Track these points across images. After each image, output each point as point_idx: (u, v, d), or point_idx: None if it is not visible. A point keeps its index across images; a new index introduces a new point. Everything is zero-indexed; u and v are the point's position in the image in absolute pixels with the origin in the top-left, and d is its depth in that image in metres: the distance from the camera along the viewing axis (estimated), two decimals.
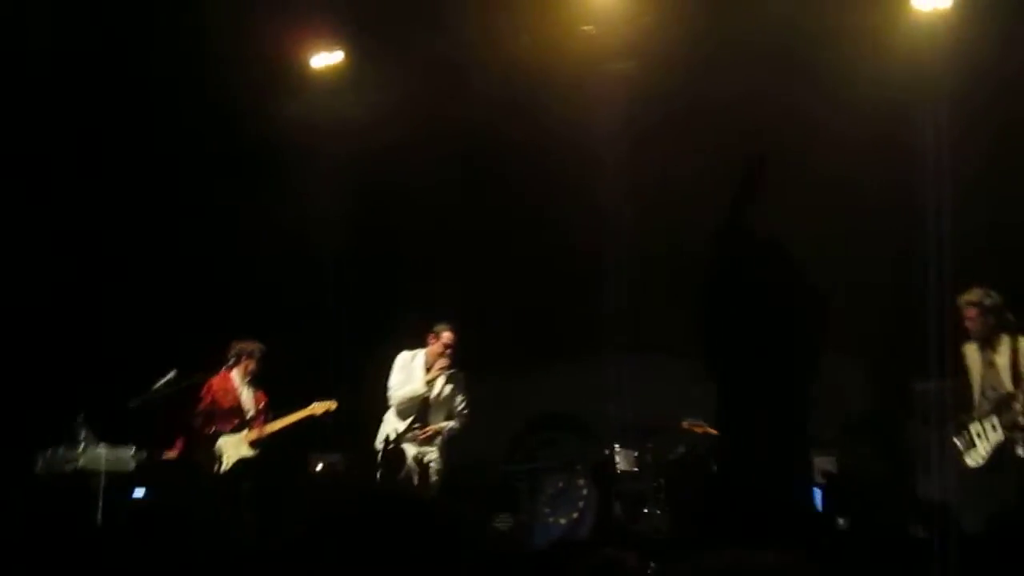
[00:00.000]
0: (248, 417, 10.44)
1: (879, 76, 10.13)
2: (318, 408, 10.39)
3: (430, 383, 10.37)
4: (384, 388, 10.51)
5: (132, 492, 9.43)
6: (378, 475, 9.83)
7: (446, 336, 10.43)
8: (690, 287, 11.78)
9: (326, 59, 12.40)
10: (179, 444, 10.40)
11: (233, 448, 10.33)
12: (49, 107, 11.30)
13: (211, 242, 12.25)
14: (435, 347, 10.43)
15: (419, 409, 10.38)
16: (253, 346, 10.52)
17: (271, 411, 10.51)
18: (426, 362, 10.45)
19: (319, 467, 11.08)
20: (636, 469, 10.86)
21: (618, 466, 10.77)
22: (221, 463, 10.29)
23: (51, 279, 11.65)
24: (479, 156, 11.81)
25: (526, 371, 11.80)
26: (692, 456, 10.85)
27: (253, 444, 10.32)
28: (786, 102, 10.54)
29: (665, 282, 11.75)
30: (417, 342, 10.63)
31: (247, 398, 10.51)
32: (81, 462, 9.96)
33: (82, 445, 10.11)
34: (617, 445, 10.91)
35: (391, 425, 10.31)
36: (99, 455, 10.02)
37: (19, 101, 11.15)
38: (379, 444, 10.15)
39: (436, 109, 11.68)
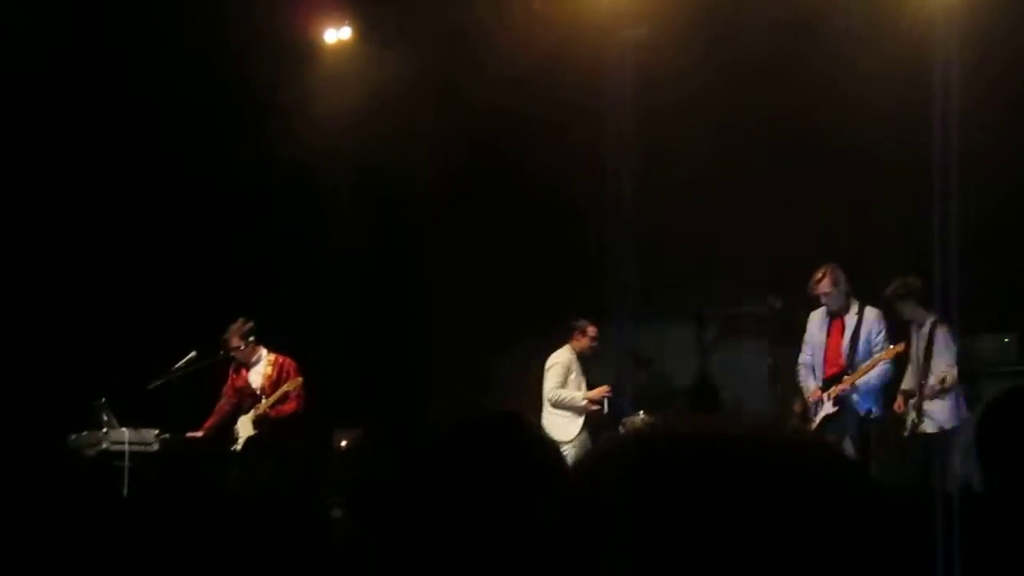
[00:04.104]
0: (257, 395, 10.45)
1: (897, 41, 10.04)
2: (289, 386, 10.40)
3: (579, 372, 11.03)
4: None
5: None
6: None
7: (591, 330, 10.99)
8: (705, 255, 11.85)
9: (335, 35, 12.37)
10: (206, 424, 10.49)
11: (243, 427, 10.38)
12: (58, 81, 11.27)
13: (227, 223, 12.21)
14: (583, 342, 11.00)
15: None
16: (245, 326, 10.53)
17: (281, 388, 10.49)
18: (579, 357, 11.07)
19: (343, 443, 11.09)
20: None
21: None
22: (237, 442, 10.35)
23: (68, 266, 11.64)
24: (490, 127, 11.73)
25: (542, 340, 11.76)
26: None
27: (255, 423, 10.35)
28: (802, 68, 10.48)
29: (682, 251, 11.74)
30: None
31: (255, 376, 10.54)
32: (104, 444, 9.99)
33: (105, 428, 10.15)
34: (642, 412, 10.90)
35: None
36: (123, 437, 10.06)
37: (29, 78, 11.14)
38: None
39: (445, 80, 11.63)
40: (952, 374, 9.23)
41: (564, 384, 10.95)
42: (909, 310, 9.41)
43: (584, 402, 10.89)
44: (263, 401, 10.35)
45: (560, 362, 10.99)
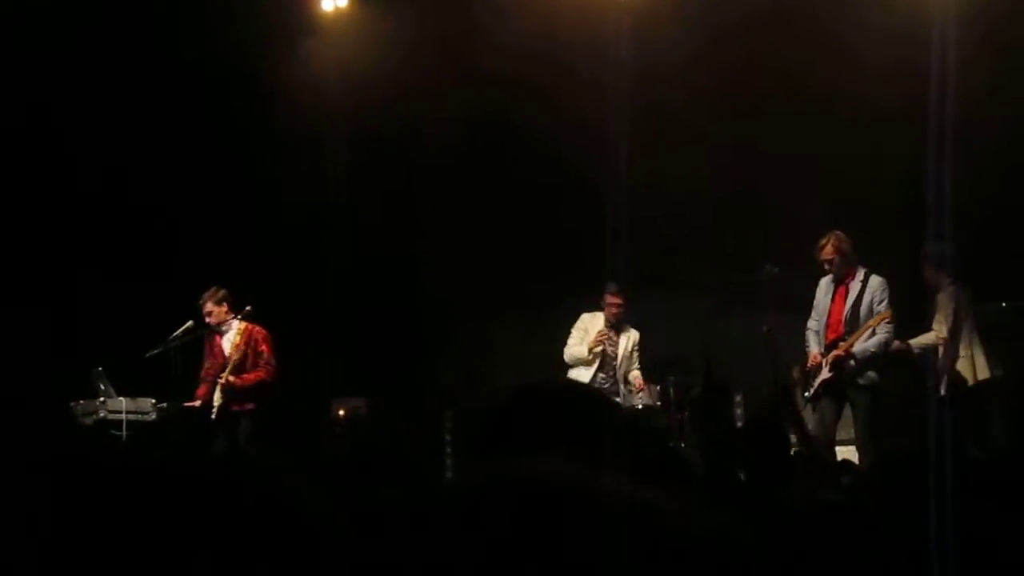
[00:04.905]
0: (226, 363, 10.48)
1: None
2: (234, 354, 10.41)
3: (592, 351, 10.90)
4: None
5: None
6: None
7: (609, 297, 10.90)
8: (704, 221, 11.83)
9: (332, 3, 12.30)
10: (199, 392, 10.51)
11: (215, 396, 10.39)
12: (59, 49, 11.22)
13: (227, 192, 12.19)
14: (606, 309, 10.96)
15: (598, 365, 10.90)
16: (218, 293, 10.52)
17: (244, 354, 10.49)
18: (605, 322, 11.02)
19: (341, 412, 11.10)
20: (659, 403, 10.84)
21: (640, 400, 10.77)
22: (213, 410, 10.38)
23: (67, 237, 11.63)
24: (488, 93, 11.68)
25: (543, 310, 11.75)
26: (714, 390, 10.83)
27: (223, 391, 10.36)
28: (799, 27, 10.43)
29: (681, 216, 11.70)
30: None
31: (226, 344, 10.54)
32: (102, 414, 10.00)
33: (102, 397, 10.16)
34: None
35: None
36: (120, 406, 10.07)
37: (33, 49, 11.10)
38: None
39: (443, 46, 11.58)
40: (937, 333, 9.25)
41: (580, 344, 10.99)
42: (929, 274, 9.41)
43: (592, 352, 10.88)
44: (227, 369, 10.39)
45: (577, 325, 11.05)
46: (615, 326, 10.96)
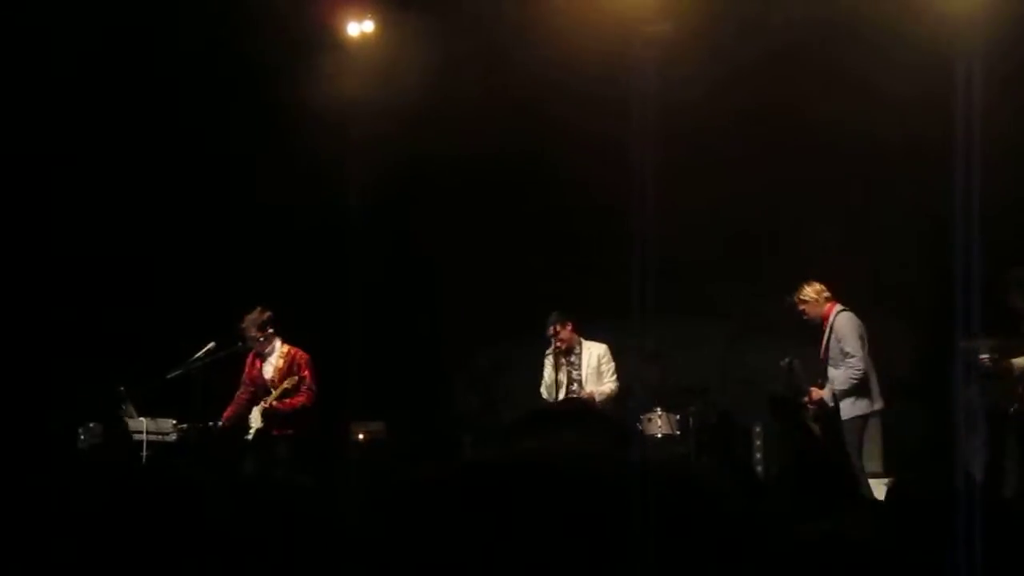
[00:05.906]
0: (268, 387, 10.45)
1: (919, 33, 10.01)
2: (288, 383, 10.34)
3: (554, 368, 10.87)
4: None
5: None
6: None
7: (549, 331, 10.91)
8: (724, 250, 11.84)
9: (357, 28, 12.37)
10: (225, 414, 10.52)
11: (254, 419, 10.39)
12: (80, 63, 11.29)
13: (248, 214, 12.24)
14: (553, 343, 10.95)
15: (566, 390, 10.88)
16: (263, 316, 10.51)
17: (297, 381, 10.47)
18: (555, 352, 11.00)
19: (360, 436, 11.11)
20: (678, 432, 10.83)
21: (659, 429, 10.75)
22: (249, 433, 10.38)
23: (88, 257, 11.68)
24: (512, 121, 11.72)
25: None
26: (732, 418, 10.85)
27: (263, 415, 10.37)
28: (824, 62, 10.45)
29: (702, 245, 11.71)
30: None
31: (268, 367, 10.53)
32: None
33: (124, 417, 10.19)
34: (659, 408, 10.87)
35: None
36: (141, 426, 10.11)
37: (51, 61, 11.16)
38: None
39: (467, 75, 11.63)
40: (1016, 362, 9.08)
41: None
42: (1012, 299, 9.21)
43: (555, 369, 10.85)
44: (271, 393, 10.34)
45: (545, 365, 11.05)
46: (565, 353, 10.88)
